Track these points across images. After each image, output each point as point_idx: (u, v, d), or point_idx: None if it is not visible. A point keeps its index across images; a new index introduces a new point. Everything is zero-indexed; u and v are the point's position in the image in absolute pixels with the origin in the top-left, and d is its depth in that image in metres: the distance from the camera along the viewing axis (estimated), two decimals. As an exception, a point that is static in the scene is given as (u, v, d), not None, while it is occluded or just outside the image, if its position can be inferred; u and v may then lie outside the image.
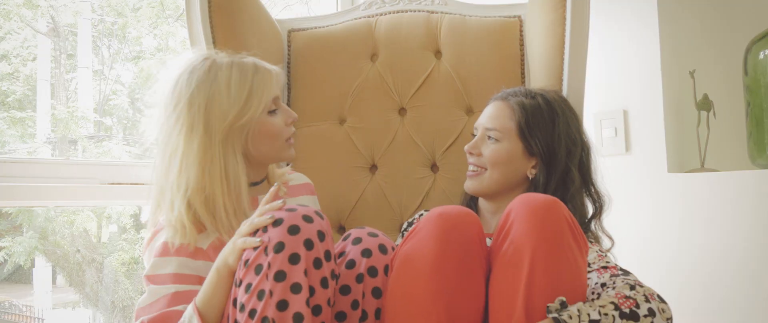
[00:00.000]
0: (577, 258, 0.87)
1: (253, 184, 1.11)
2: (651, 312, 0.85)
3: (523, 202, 0.90)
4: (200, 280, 0.98)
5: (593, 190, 1.16)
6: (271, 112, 1.05)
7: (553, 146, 1.11)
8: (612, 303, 0.85)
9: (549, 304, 0.82)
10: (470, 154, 1.17)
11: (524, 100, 1.14)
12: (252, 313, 0.83)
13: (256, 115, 1.01)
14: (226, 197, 0.98)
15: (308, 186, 1.23)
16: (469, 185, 1.17)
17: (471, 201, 1.24)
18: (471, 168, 1.17)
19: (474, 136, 1.19)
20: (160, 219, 1.03)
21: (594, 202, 1.16)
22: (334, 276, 0.91)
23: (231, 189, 0.99)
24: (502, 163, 1.12)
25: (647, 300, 0.87)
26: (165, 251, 0.99)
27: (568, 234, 0.87)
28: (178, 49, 2.19)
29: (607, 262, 1.02)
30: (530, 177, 1.13)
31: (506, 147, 1.12)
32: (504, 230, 0.90)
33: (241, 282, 0.86)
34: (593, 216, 1.15)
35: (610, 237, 1.15)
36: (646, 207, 1.67)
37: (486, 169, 1.14)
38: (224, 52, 1.06)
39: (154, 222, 1.05)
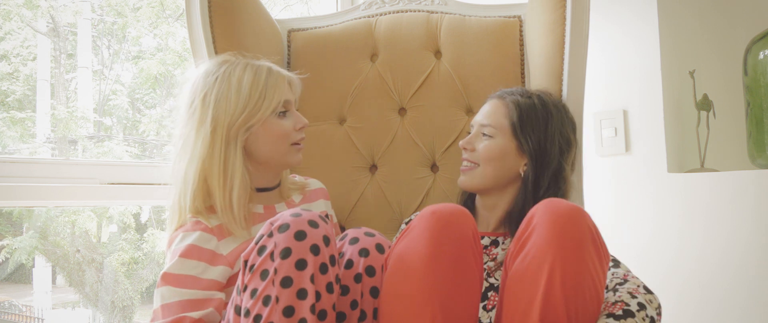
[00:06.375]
0: (598, 272, 0.85)
1: (264, 190, 1.12)
2: (641, 306, 0.87)
3: (546, 209, 0.88)
4: (219, 286, 0.99)
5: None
6: (281, 115, 1.07)
7: (545, 145, 1.12)
8: (608, 315, 0.87)
9: None
10: (464, 149, 1.19)
11: (520, 98, 1.15)
12: (257, 318, 0.83)
13: (264, 116, 1.03)
14: (222, 191, 1.01)
15: (323, 191, 1.25)
16: (462, 180, 1.19)
17: (468, 200, 1.25)
18: (464, 163, 1.18)
19: (469, 133, 1.21)
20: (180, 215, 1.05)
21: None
22: (338, 279, 0.91)
23: (226, 184, 1.01)
24: (495, 159, 1.14)
25: (633, 296, 0.89)
26: (189, 253, 0.99)
27: (590, 247, 0.85)
28: (178, 49, 2.19)
29: None
30: (522, 174, 1.14)
31: (499, 143, 1.14)
32: (524, 234, 0.89)
33: (245, 287, 0.86)
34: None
35: None
36: (646, 207, 1.67)
37: (479, 165, 1.15)
38: (243, 57, 1.09)
39: (173, 215, 1.06)
